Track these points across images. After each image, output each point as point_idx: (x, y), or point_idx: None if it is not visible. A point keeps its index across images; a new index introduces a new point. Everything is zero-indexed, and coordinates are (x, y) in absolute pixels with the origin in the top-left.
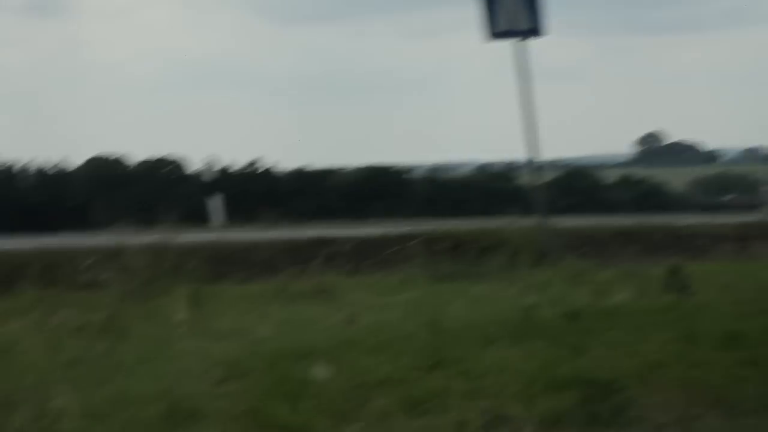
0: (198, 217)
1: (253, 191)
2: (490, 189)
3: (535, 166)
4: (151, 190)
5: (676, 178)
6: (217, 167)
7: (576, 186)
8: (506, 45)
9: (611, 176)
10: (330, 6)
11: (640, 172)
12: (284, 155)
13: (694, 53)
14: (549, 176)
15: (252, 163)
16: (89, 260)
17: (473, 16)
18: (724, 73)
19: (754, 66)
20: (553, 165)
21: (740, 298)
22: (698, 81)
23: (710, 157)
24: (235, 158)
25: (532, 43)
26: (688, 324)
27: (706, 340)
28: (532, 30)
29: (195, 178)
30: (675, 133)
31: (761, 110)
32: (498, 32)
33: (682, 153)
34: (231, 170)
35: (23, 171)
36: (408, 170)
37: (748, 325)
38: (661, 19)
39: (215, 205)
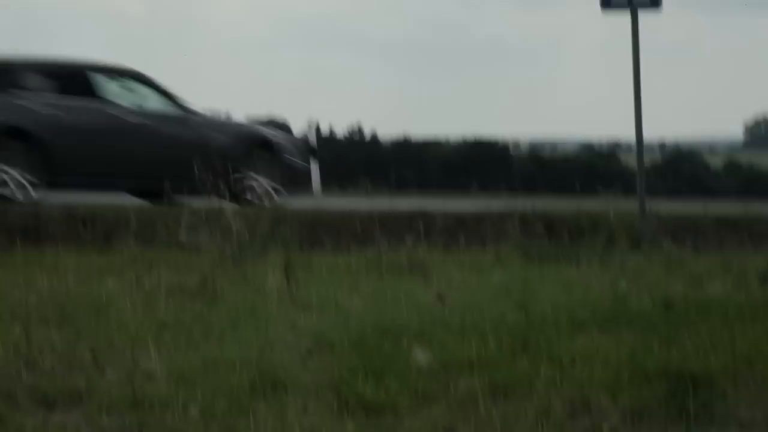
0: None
1: (353, 158)
2: (592, 168)
3: (638, 147)
4: None
5: None
6: (318, 131)
7: (680, 169)
8: (620, 19)
9: (718, 160)
10: None
11: (749, 156)
12: (387, 121)
13: None
14: (653, 157)
15: (353, 129)
16: (188, 220)
17: None
18: None
19: None
20: (659, 146)
21: None
22: None
23: None
24: (338, 122)
25: (648, 17)
26: None
27: None
28: (650, 2)
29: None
30: None
31: None
32: (614, 3)
33: None
34: (331, 135)
35: None
36: (511, 145)
37: None
38: None
39: (313, 170)
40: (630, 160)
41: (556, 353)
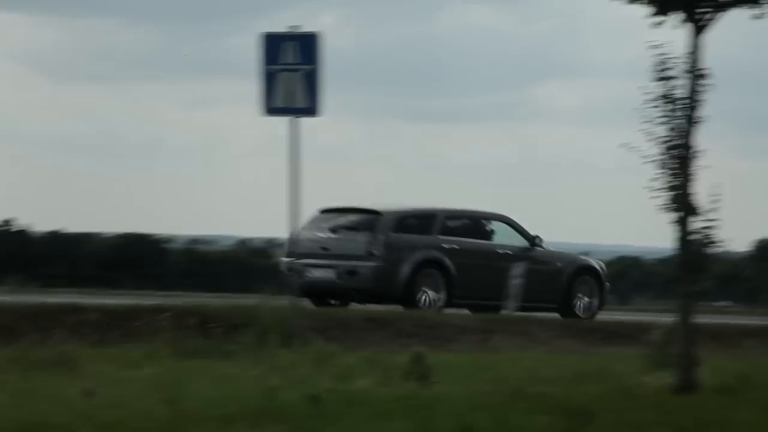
0: None
1: (2, 251)
2: (247, 265)
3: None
4: None
5: None
6: None
7: None
8: (281, 121)
9: None
10: (107, 68)
11: None
12: (42, 217)
13: (458, 143)
14: None
15: (3, 223)
16: None
17: (252, 90)
18: (486, 165)
19: (515, 161)
20: None
21: (477, 390)
22: (460, 170)
23: None
24: None
25: (307, 121)
26: (425, 414)
27: (441, 430)
28: (308, 109)
29: None
30: None
31: (517, 205)
32: (274, 108)
33: None
34: None
35: None
36: (167, 240)
37: (481, 419)
38: (429, 109)
39: None
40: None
41: None
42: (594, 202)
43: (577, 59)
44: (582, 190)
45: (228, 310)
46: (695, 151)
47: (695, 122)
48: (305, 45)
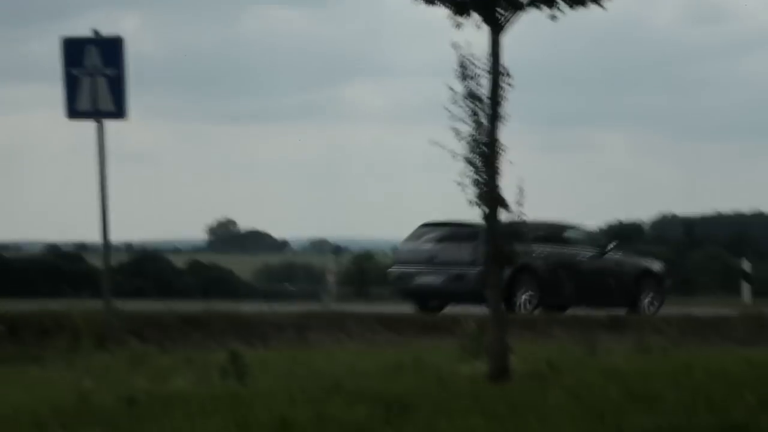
0: None
1: None
2: (58, 269)
3: (104, 248)
4: None
5: (246, 265)
6: None
7: (145, 269)
8: (87, 125)
9: (181, 261)
10: None
11: (211, 257)
12: None
13: (267, 144)
14: (120, 259)
15: None
16: None
17: (58, 93)
18: (297, 164)
19: (323, 160)
20: (124, 248)
21: (294, 386)
22: (271, 171)
23: (280, 245)
24: None
25: (113, 125)
26: (244, 411)
27: (259, 427)
28: (114, 112)
29: None
30: (248, 220)
31: (328, 202)
32: (79, 112)
33: (254, 241)
34: None
35: None
36: None
37: (299, 413)
38: (237, 109)
39: None
40: (97, 262)
41: None
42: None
43: (385, 59)
44: (393, 187)
45: (38, 315)
46: (500, 148)
47: (499, 120)
48: (108, 49)
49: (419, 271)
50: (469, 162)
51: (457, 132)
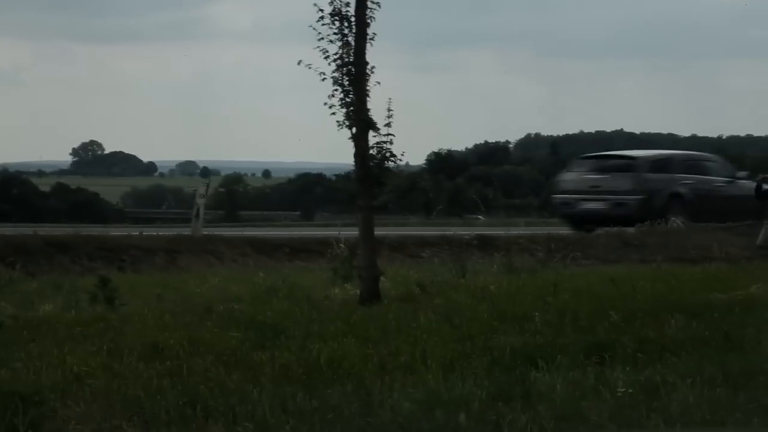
0: None
1: None
2: None
3: None
4: None
5: (114, 188)
6: None
7: (8, 193)
8: None
9: (46, 184)
10: None
11: (77, 181)
12: None
13: (135, 64)
14: None
15: None
16: None
17: None
18: (164, 86)
19: (192, 81)
20: None
21: (165, 310)
22: (138, 92)
23: (147, 168)
24: None
25: None
26: (114, 336)
27: (130, 352)
28: None
29: None
30: (114, 143)
31: (197, 125)
32: None
33: (121, 164)
34: None
35: None
36: None
37: (171, 337)
38: (103, 28)
39: None
40: None
41: None
42: (274, 120)
43: None
44: (261, 108)
45: None
46: (367, 68)
47: (366, 40)
48: None
49: (583, 198)
50: (337, 83)
51: (324, 52)
